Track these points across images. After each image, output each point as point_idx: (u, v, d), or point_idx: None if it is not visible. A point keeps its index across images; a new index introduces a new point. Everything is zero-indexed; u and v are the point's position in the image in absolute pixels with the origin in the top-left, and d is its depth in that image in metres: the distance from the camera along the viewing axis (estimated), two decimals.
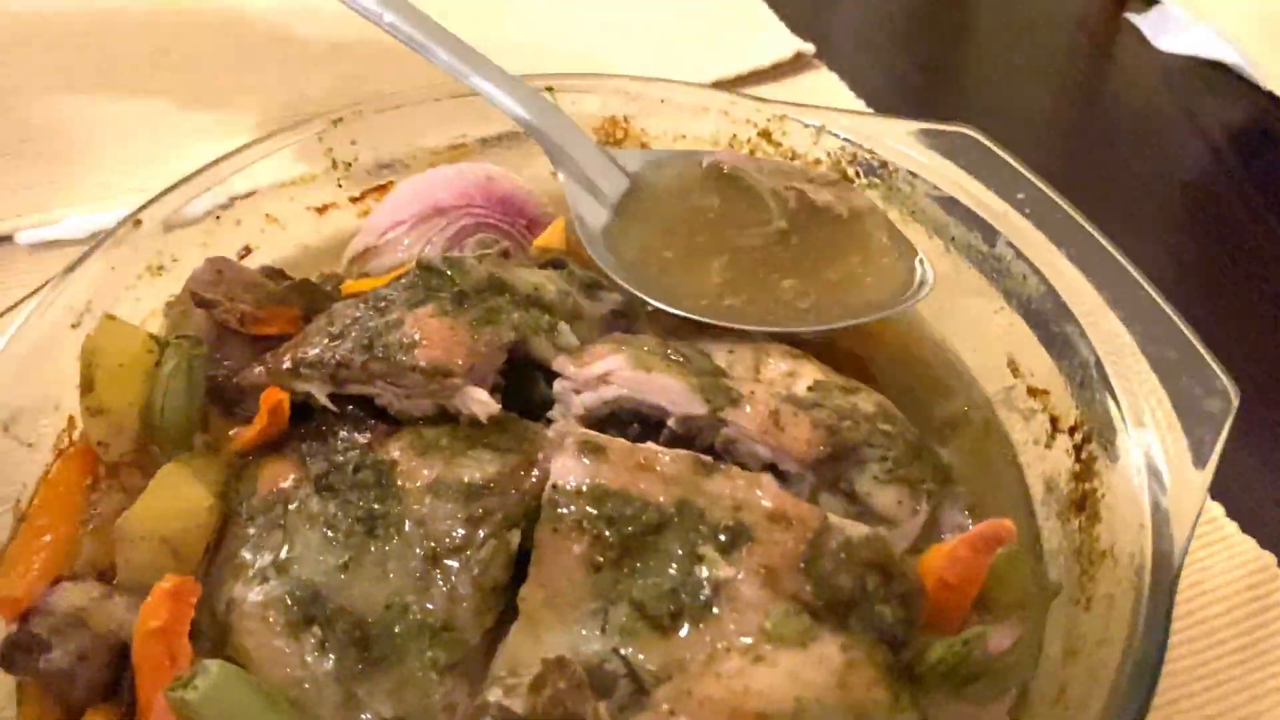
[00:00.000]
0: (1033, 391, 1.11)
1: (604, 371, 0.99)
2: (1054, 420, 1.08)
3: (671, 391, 0.98)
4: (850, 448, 0.97)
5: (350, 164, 1.30)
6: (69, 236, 1.53)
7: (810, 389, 1.02)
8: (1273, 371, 1.39)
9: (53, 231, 1.53)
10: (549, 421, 1.03)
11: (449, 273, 1.08)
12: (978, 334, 1.18)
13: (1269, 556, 1.19)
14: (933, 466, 1.00)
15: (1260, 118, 1.78)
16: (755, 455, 0.97)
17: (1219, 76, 1.83)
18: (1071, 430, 1.05)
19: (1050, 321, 1.09)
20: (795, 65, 1.80)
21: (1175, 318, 1.04)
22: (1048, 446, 1.08)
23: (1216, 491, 1.25)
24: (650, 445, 0.93)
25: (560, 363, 1.02)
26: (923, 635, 0.88)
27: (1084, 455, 1.02)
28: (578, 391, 1.01)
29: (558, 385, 1.03)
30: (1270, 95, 1.77)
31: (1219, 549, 1.22)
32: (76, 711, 0.86)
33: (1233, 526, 1.24)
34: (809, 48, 1.82)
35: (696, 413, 0.97)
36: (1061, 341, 1.08)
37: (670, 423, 0.98)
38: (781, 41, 1.83)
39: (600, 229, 1.23)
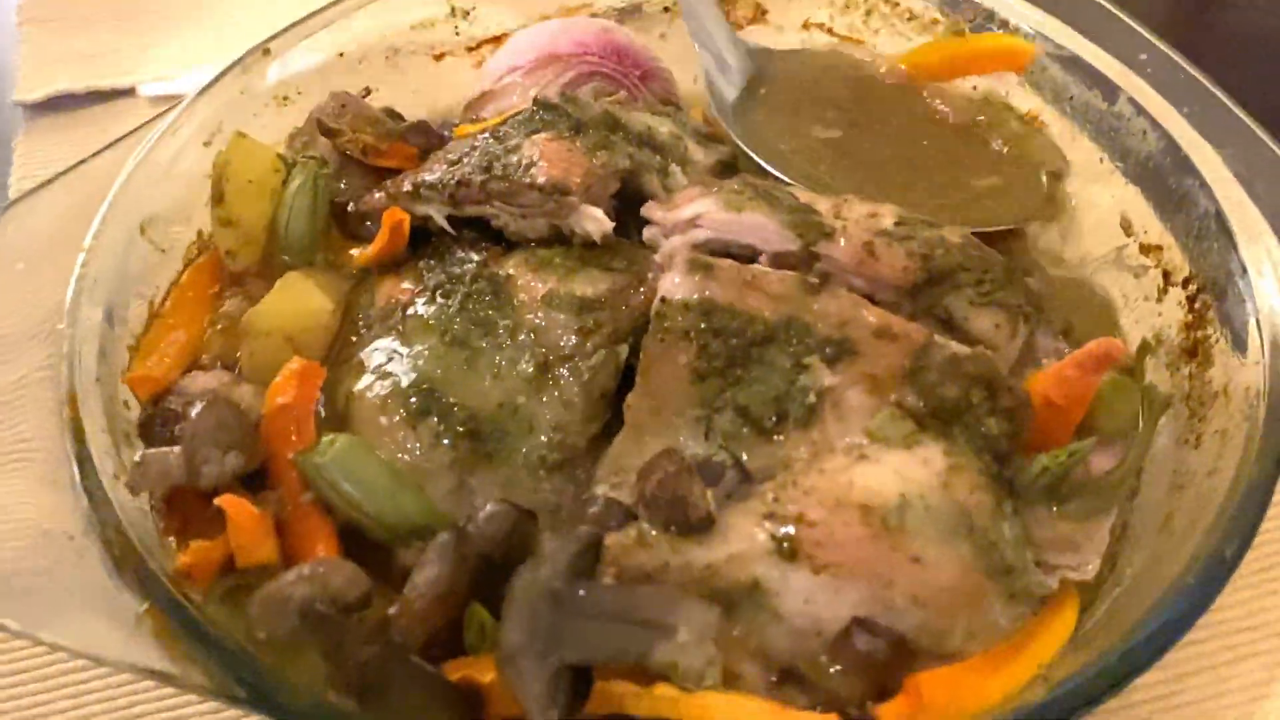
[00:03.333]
0: (1145, 248, 1.10)
1: (693, 215, 1.00)
2: (1166, 275, 1.07)
3: (763, 229, 0.98)
4: (945, 272, 0.96)
5: (469, 12, 1.33)
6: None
7: (897, 224, 1.01)
8: None
9: (173, 86, 1.58)
10: None
11: (566, 108, 1.11)
12: (1091, 195, 1.17)
13: None
14: (1025, 291, 1.00)
15: None
16: (851, 288, 0.97)
17: None
18: (1185, 282, 1.04)
19: (1168, 176, 1.07)
20: None
21: None
22: (1159, 300, 1.07)
23: None
24: (758, 265, 0.95)
25: (649, 208, 1.03)
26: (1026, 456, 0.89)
27: (1197, 305, 1.01)
28: (666, 236, 1.01)
29: (647, 232, 1.04)
30: None
31: None
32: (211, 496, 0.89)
33: None
34: None
35: (789, 249, 0.97)
36: (1179, 196, 1.06)
37: (762, 260, 0.98)
38: None
39: (730, 104, 1.27)
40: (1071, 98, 1.18)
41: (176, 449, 0.85)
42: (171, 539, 0.85)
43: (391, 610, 0.76)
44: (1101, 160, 1.16)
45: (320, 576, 0.75)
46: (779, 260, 0.99)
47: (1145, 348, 0.94)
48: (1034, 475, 0.85)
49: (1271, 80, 1.62)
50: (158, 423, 0.91)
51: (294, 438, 0.89)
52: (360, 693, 0.73)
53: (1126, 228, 1.13)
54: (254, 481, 0.91)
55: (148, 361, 0.99)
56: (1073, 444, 0.86)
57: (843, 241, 0.98)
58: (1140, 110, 1.11)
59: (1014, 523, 0.85)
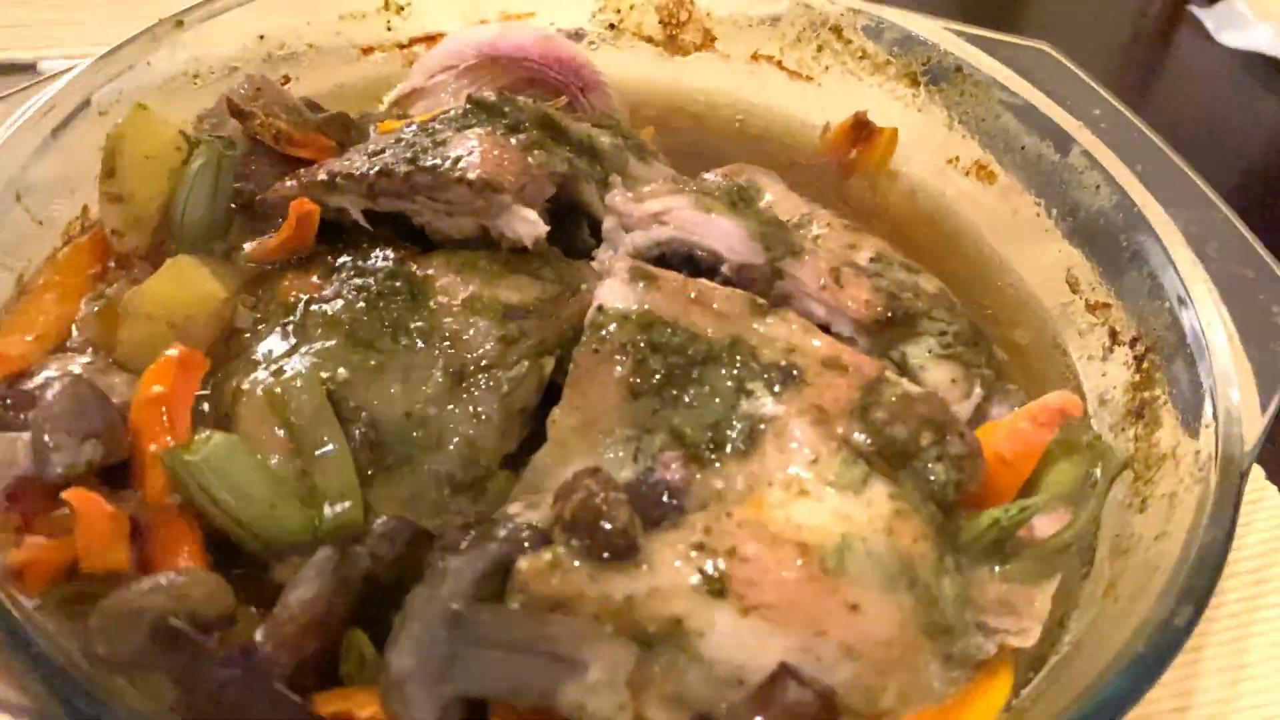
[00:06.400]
0: (1091, 306, 1.06)
1: (660, 210, 0.94)
2: (1113, 333, 1.03)
3: (731, 236, 0.93)
4: (909, 316, 0.92)
5: (404, 7, 1.25)
6: None
7: (872, 260, 0.96)
8: None
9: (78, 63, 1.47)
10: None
11: (503, 107, 1.03)
12: (1037, 253, 1.14)
13: None
14: (989, 356, 0.95)
15: None
16: (809, 313, 0.92)
17: (1277, 75, 1.80)
18: (1133, 342, 1.00)
19: (1119, 233, 1.04)
20: None
21: (1251, 238, 1.00)
22: (1104, 359, 1.03)
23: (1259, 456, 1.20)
24: (704, 281, 0.88)
25: (613, 197, 0.96)
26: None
27: (1144, 365, 0.98)
28: (628, 229, 0.95)
29: (607, 222, 0.97)
30: None
31: (1260, 509, 1.17)
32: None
33: (1273, 489, 1.19)
34: None
35: (754, 261, 0.92)
36: (1130, 254, 1.03)
37: (724, 269, 0.93)
38: None
39: None
40: (1023, 147, 1.15)
41: (25, 435, 0.74)
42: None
43: (258, 632, 0.66)
44: (1051, 214, 1.12)
45: (178, 588, 0.65)
46: (742, 272, 0.93)
47: None
48: (982, 529, 0.79)
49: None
50: (8, 406, 0.79)
51: (165, 432, 0.78)
52: None
53: (1073, 285, 1.09)
54: (116, 480, 0.80)
55: (7, 340, 0.87)
56: (1023, 500, 0.80)
57: (809, 262, 0.92)
58: (1094, 163, 1.08)
59: (955, 579, 0.78)
